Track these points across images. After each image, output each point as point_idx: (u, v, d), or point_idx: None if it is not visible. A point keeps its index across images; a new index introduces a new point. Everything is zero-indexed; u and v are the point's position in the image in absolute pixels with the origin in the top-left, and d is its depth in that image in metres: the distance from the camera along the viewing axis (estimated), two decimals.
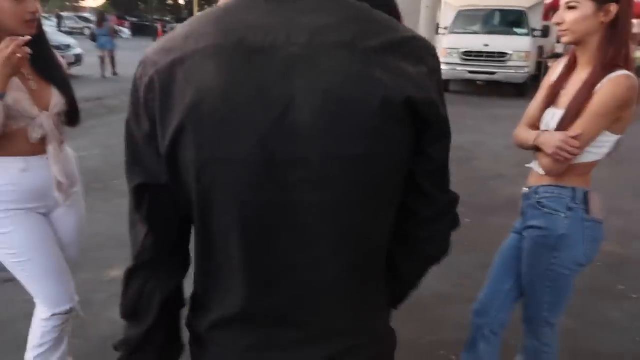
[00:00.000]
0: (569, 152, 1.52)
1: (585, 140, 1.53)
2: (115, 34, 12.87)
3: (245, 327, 0.73)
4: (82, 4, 49.75)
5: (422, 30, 6.33)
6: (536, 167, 1.69)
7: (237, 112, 0.62)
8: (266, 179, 0.64)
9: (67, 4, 45.18)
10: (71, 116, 1.74)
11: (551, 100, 1.67)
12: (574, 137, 1.52)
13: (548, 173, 1.62)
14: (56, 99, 1.65)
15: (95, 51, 11.98)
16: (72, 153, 1.82)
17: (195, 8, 13.92)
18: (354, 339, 0.75)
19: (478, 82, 10.59)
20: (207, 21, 0.67)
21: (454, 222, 0.81)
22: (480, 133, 6.91)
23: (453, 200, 0.79)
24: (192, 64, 0.63)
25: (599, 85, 1.51)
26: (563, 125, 1.56)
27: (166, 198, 0.71)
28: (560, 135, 1.54)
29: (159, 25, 11.98)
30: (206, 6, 40.77)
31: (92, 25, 27.84)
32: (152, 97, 0.65)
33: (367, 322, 0.77)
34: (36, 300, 1.71)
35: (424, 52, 0.69)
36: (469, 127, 6.83)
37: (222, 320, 0.74)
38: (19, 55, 1.42)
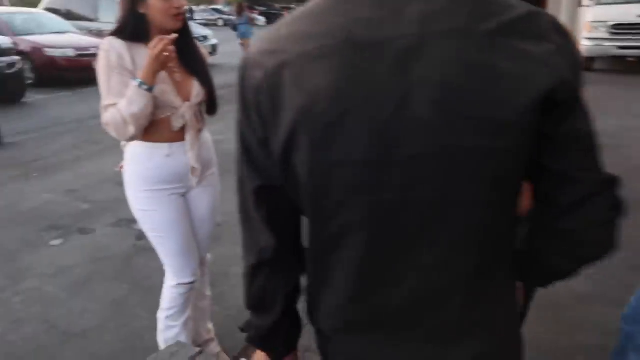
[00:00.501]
0: None
1: None
2: (252, 22, 13.71)
3: (367, 330, 0.73)
4: None
5: (565, 3, 5.74)
6: None
7: (350, 111, 0.60)
8: (384, 177, 0.62)
9: None
10: (210, 106, 1.87)
11: None
12: None
13: None
14: (197, 89, 1.77)
15: (228, 41, 12.81)
16: (210, 138, 1.96)
17: None
18: (482, 344, 0.71)
19: (629, 59, 9.35)
20: (308, 19, 0.65)
21: (614, 208, 0.65)
22: (631, 117, 6.12)
23: (605, 180, 0.65)
24: (299, 67, 0.62)
25: None
26: None
27: (284, 199, 0.72)
28: None
29: (285, 13, 12.36)
30: None
31: (224, 16, 29.85)
32: (262, 98, 0.65)
33: (495, 323, 0.72)
34: (166, 269, 1.91)
35: (547, 27, 0.61)
36: (616, 110, 6.09)
37: (345, 322, 0.74)
38: (166, 53, 1.57)
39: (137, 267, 2.93)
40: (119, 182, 4.17)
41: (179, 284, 1.87)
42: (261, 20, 25.86)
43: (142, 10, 1.63)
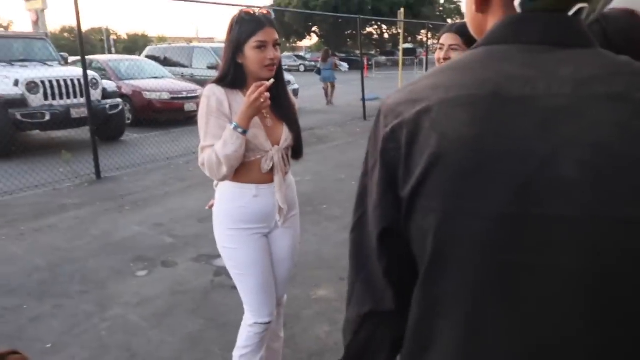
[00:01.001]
0: None
1: None
2: (336, 67, 14.59)
3: None
4: (299, 44, 55.98)
5: None
6: None
7: (489, 163, 0.58)
8: (516, 237, 0.58)
9: (287, 45, 51.31)
10: (296, 150, 1.95)
11: None
12: None
13: None
14: (286, 134, 1.87)
15: (309, 85, 13.32)
16: (294, 181, 2.04)
17: (401, 41, 14.37)
18: None
19: None
20: (455, 72, 0.66)
21: None
22: None
23: None
24: (439, 111, 0.62)
25: None
26: None
27: (407, 248, 0.68)
28: None
29: (364, 59, 12.93)
30: (410, 39, 41.97)
31: (306, 62, 31.18)
32: (393, 146, 0.65)
33: None
34: (245, 307, 1.95)
35: None
36: None
37: None
38: (262, 100, 1.67)
39: (214, 303, 3.01)
40: (201, 218, 4.43)
41: (255, 323, 1.90)
42: (344, 66, 26.95)
43: (240, 61, 1.76)
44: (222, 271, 3.40)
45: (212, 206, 1.95)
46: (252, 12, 1.75)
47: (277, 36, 1.76)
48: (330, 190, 5.25)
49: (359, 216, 0.74)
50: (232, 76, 1.78)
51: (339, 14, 13.88)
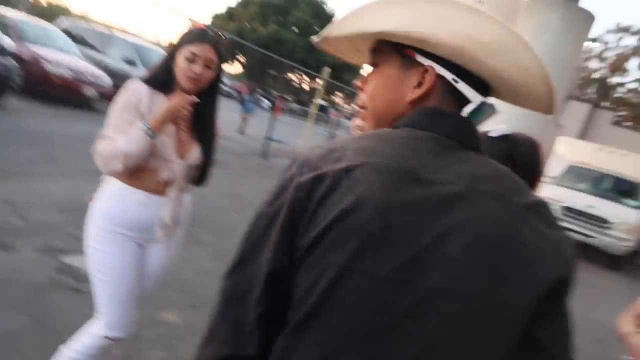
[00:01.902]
0: None
1: None
2: (258, 102, 15.14)
3: None
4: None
5: None
6: None
7: (391, 230, 0.64)
8: (397, 301, 0.63)
9: None
10: (201, 175, 1.92)
11: None
12: None
13: None
14: (195, 153, 1.83)
15: (220, 109, 13.16)
16: (189, 202, 1.98)
17: (320, 96, 14.95)
18: None
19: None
20: (378, 141, 0.71)
21: None
22: None
23: None
24: (359, 174, 0.66)
25: None
26: None
27: (287, 294, 0.68)
28: None
29: (279, 101, 13.38)
30: (325, 97, 43.73)
31: (223, 87, 30.97)
32: (303, 196, 0.67)
33: None
34: (98, 317, 1.82)
35: (554, 216, 0.72)
36: None
37: None
38: (182, 110, 1.66)
39: (47, 301, 2.75)
40: (61, 208, 4.10)
41: (106, 337, 1.77)
42: (266, 103, 27.49)
43: (172, 65, 1.75)
44: (68, 269, 3.14)
45: (91, 198, 1.84)
46: (203, 28, 1.78)
47: (213, 58, 1.76)
48: (208, 216, 5.16)
49: (244, 256, 0.72)
50: (162, 78, 1.76)
51: (268, 52, 14.17)
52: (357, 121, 2.07)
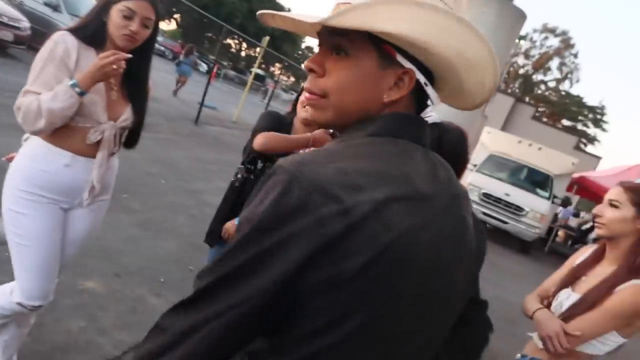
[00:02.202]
0: (555, 346, 1.54)
1: (585, 338, 1.55)
2: (195, 65, 14.36)
3: None
4: None
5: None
6: (536, 339, 1.70)
7: (419, 252, 0.67)
8: (423, 315, 0.72)
9: None
10: (132, 138, 1.84)
11: (570, 281, 1.72)
12: (570, 335, 1.53)
13: (545, 350, 1.62)
14: (127, 115, 1.74)
15: (153, 70, 12.53)
16: (117, 165, 1.89)
17: (256, 65, 14.63)
18: None
19: (487, 226, 10.75)
20: (378, 161, 0.69)
21: None
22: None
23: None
24: (382, 205, 0.64)
25: (620, 287, 1.54)
26: (575, 311, 1.59)
27: (259, 324, 0.65)
28: (556, 326, 1.56)
29: (215, 66, 12.92)
30: (263, 66, 42.87)
31: (157, 45, 29.39)
32: (328, 231, 0.62)
33: None
34: (15, 283, 1.70)
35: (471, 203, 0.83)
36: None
37: None
38: (114, 67, 1.54)
39: None
40: None
41: (20, 304, 1.66)
42: (203, 66, 26.52)
43: (105, 19, 1.63)
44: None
45: (11, 159, 1.69)
46: None
47: (151, 15, 1.67)
48: (136, 182, 4.94)
49: (226, 277, 0.64)
50: (92, 31, 1.63)
51: (207, 14, 13.58)
52: (306, 108, 2.06)
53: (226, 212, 2.20)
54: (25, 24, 8.80)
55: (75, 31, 1.63)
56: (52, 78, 1.55)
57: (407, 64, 0.73)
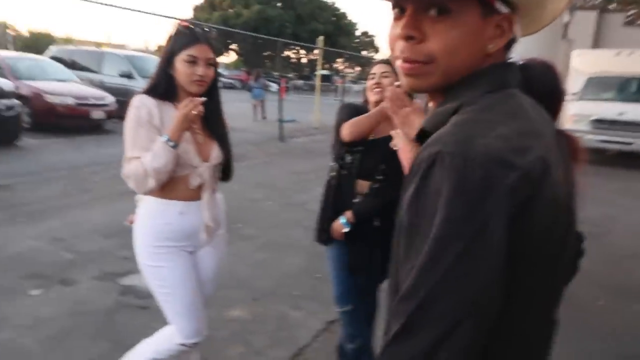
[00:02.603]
0: None
1: None
2: (266, 87, 15.57)
3: None
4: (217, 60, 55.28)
5: None
6: None
7: (565, 198, 0.69)
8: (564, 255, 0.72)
9: None
10: (226, 171, 1.94)
11: None
12: None
13: None
14: (216, 152, 1.85)
15: (227, 101, 13.17)
16: (222, 200, 2.01)
17: (319, 67, 14.75)
18: None
19: (608, 152, 9.79)
20: (521, 120, 0.68)
21: None
22: (614, 206, 6.31)
23: None
24: (550, 164, 0.64)
25: None
26: None
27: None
28: None
29: (282, 81, 13.29)
30: (326, 66, 43.13)
31: (223, 79, 31.03)
32: (516, 201, 0.60)
33: None
34: (172, 327, 1.87)
35: None
36: (600, 200, 6.29)
37: None
38: (194, 112, 1.64)
39: (119, 324, 2.83)
40: (106, 234, 4.18)
41: (182, 344, 1.83)
42: (274, 86, 27.77)
43: (171, 72, 1.73)
44: (129, 290, 3.22)
45: (132, 222, 1.86)
46: (190, 26, 1.74)
47: (211, 55, 1.75)
48: (245, 210, 5.20)
49: (444, 280, 0.60)
50: (164, 87, 1.75)
51: (259, 35, 13.97)
52: (371, 82, 2.04)
53: (329, 212, 2.23)
54: (110, 99, 9.68)
55: (149, 92, 1.75)
56: (146, 140, 1.68)
57: (505, 9, 0.70)
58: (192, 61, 1.70)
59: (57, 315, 2.86)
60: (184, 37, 1.72)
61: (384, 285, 2.50)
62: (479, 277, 0.59)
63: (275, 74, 36.31)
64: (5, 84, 7.70)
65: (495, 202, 0.58)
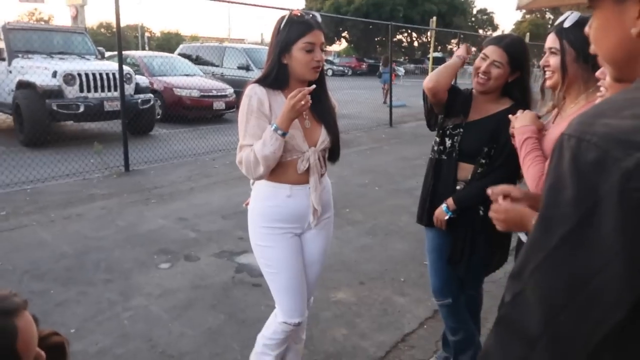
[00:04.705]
0: None
1: None
2: (394, 72, 16.08)
3: None
4: (328, 48, 56.19)
5: None
6: None
7: None
8: None
9: None
10: (333, 153, 1.96)
11: None
12: None
13: None
14: (323, 136, 1.88)
15: (338, 89, 13.36)
16: (329, 184, 2.04)
17: (431, 49, 14.29)
18: None
19: None
20: None
21: None
22: None
23: None
24: None
25: None
26: None
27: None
28: None
29: (394, 65, 13.23)
30: (439, 48, 41.56)
31: (334, 67, 31.54)
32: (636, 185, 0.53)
33: None
34: (276, 306, 1.97)
35: None
36: None
37: None
38: (302, 103, 1.69)
39: (234, 299, 3.04)
40: (225, 215, 4.49)
41: (284, 322, 1.92)
42: (401, 70, 28.05)
43: (285, 61, 1.78)
44: (244, 268, 3.44)
45: (248, 204, 1.97)
46: (301, 14, 1.77)
47: (323, 39, 1.78)
48: (352, 195, 5.25)
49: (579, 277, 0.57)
50: (275, 76, 1.80)
51: (370, 20, 13.87)
52: (482, 63, 1.91)
53: (427, 193, 2.15)
54: (229, 90, 10.36)
55: (261, 81, 1.81)
56: (257, 128, 1.75)
57: None
58: (310, 48, 1.73)
59: (181, 287, 3.16)
60: (299, 25, 1.74)
61: (491, 278, 2.37)
62: (582, 264, 0.55)
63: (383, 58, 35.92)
64: (142, 80, 8.64)
65: (608, 187, 0.53)
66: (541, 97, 1.79)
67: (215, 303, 2.98)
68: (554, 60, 1.58)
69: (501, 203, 1.30)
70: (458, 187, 2.01)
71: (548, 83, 1.64)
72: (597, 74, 1.31)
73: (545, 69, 1.62)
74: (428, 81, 2.00)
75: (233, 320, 2.80)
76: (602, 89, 1.27)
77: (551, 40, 1.59)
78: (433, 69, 10.25)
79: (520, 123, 1.66)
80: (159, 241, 3.92)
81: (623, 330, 0.56)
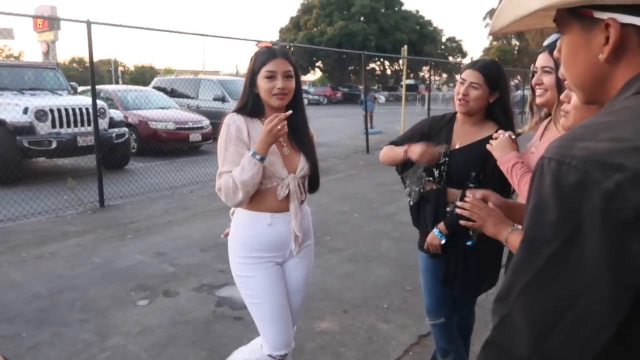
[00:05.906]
0: None
1: None
2: (375, 100, 17.06)
3: None
4: (303, 78, 56.98)
5: None
6: None
7: None
8: None
9: None
10: (312, 182, 1.97)
11: None
12: None
13: None
14: (302, 164, 1.90)
15: (316, 117, 13.48)
16: (309, 211, 2.04)
17: (404, 77, 14.61)
18: None
19: None
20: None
21: None
22: None
23: None
24: None
25: None
26: None
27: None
28: None
29: (373, 94, 13.53)
30: (411, 75, 42.60)
31: (309, 96, 32.03)
32: (622, 205, 0.53)
33: None
34: (261, 338, 1.92)
35: None
36: None
37: None
38: (279, 127, 1.71)
39: (216, 333, 2.96)
40: (203, 247, 4.42)
41: (270, 356, 1.87)
42: (382, 99, 28.69)
43: (256, 91, 1.83)
44: (224, 301, 3.37)
45: (227, 235, 1.95)
46: (269, 46, 1.84)
47: (289, 68, 1.81)
48: (333, 222, 5.24)
49: (538, 278, 0.59)
50: (251, 105, 1.85)
51: (344, 50, 14.23)
52: (460, 88, 1.97)
53: (415, 218, 2.19)
54: (206, 122, 10.35)
55: (239, 110, 1.86)
56: (236, 155, 1.77)
57: (605, 15, 0.66)
58: (271, 76, 1.78)
59: (161, 324, 3.07)
60: (263, 55, 1.81)
61: (482, 298, 2.39)
62: (568, 284, 0.56)
63: (360, 87, 36.49)
64: (117, 114, 8.58)
65: (591, 207, 0.54)
66: (530, 115, 1.86)
67: (196, 339, 2.90)
68: (547, 79, 1.65)
69: (472, 200, 1.35)
70: (448, 209, 2.03)
71: (539, 101, 1.71)
72: (562, 97, 1.36)
73: (537, 87, 1.69)
74: (381, 156, 2.22)
75: (215, 355, 2.72)
76: (562, 112, 1.32)
77: (544, 60, 1.66)
78: (407, 97, 10.45)
79: (500, 154, 1.71)
80: (137, 277, 3.82)
81: (612, 350, 0.56)
